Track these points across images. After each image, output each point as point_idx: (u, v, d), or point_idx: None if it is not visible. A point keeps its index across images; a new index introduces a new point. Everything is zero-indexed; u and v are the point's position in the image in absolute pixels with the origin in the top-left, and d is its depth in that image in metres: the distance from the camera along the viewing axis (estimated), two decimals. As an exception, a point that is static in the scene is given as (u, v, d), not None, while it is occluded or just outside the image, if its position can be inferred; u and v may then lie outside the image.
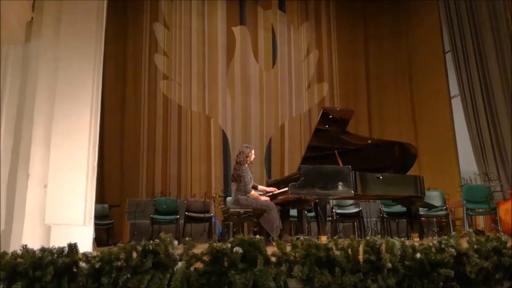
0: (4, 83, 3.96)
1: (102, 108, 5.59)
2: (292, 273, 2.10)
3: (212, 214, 7.11)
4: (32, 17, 4.20)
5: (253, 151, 5.06)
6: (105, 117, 8.15)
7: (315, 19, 10.25)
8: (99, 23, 4.32)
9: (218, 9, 9.53)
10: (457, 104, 8.50)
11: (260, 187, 5.23)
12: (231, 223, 5.41)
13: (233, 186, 5.10)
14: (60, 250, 2.01)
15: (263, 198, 4.88)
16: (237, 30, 9.59)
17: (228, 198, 6.64)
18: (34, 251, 2.00)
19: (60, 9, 4.19)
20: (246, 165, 4.93)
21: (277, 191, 4.81)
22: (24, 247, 2.04)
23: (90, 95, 4.05)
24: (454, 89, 8.59)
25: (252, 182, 4.96)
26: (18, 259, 1.99)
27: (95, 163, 4.04)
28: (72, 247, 2.03)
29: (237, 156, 5.02)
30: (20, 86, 3.99)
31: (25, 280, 1.92)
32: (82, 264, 1.96)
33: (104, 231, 6.91)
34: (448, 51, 8.68)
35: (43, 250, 2.00)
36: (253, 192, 4.89)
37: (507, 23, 7.33)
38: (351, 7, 10.36)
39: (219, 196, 7.40)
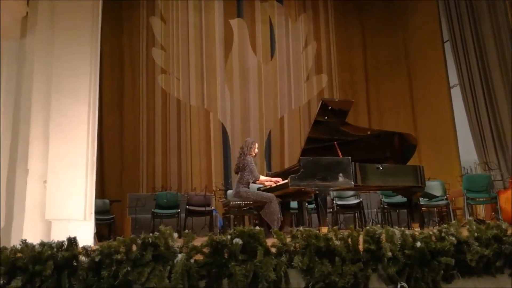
0: (1, 79, 3.94)
1: (100, 103, 5.59)
2: (292, 263, 2.10)
3: (213, 208, 7.12)
4: (27, 13, 4.17)
5: (256, 145, 5.09)
6: (104, 113, 8.17)
7: (313, 10, 10.19)
8: (95, 18, 4.27)
9: (215, 1, 9.48)
10: (456, 94, 8.47)
11: (262, 177, 5.22)
12: (231, 216, 5.42)
13: (236, 178, 5.11)
14: (60, 244, 2.00)
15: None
16: (234, 23, 9.54)
17: (229, 191, 6.64)
18: (33, 246, 1.99)
19: (55, 4, 4.14)
20: (250, 156, 4.97)
21: (279, 183, 4.80)
22: (24, 241, 2.03)
23: (88, 90, 4.01)
24: (453, 78, 8.55)
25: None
26: (18, 254, 1.98)
27: (94, 158, 4.02)
28: (72, 241, 2.03)
29: (241, 148, 5.09)
30: (17, 82, 3.96)
31: (25, 274, 1.92)
32: (82, 258, 1.96)
33: (106, 226, 6.92)
34: (447, 41, 8.63)
35: (42, 244, 1.99)
36: (261, 178, 4.94)
37: (506, 11, 7.28)
38: (347, -2, 10.31)
39: (219, 190, 7.41)
